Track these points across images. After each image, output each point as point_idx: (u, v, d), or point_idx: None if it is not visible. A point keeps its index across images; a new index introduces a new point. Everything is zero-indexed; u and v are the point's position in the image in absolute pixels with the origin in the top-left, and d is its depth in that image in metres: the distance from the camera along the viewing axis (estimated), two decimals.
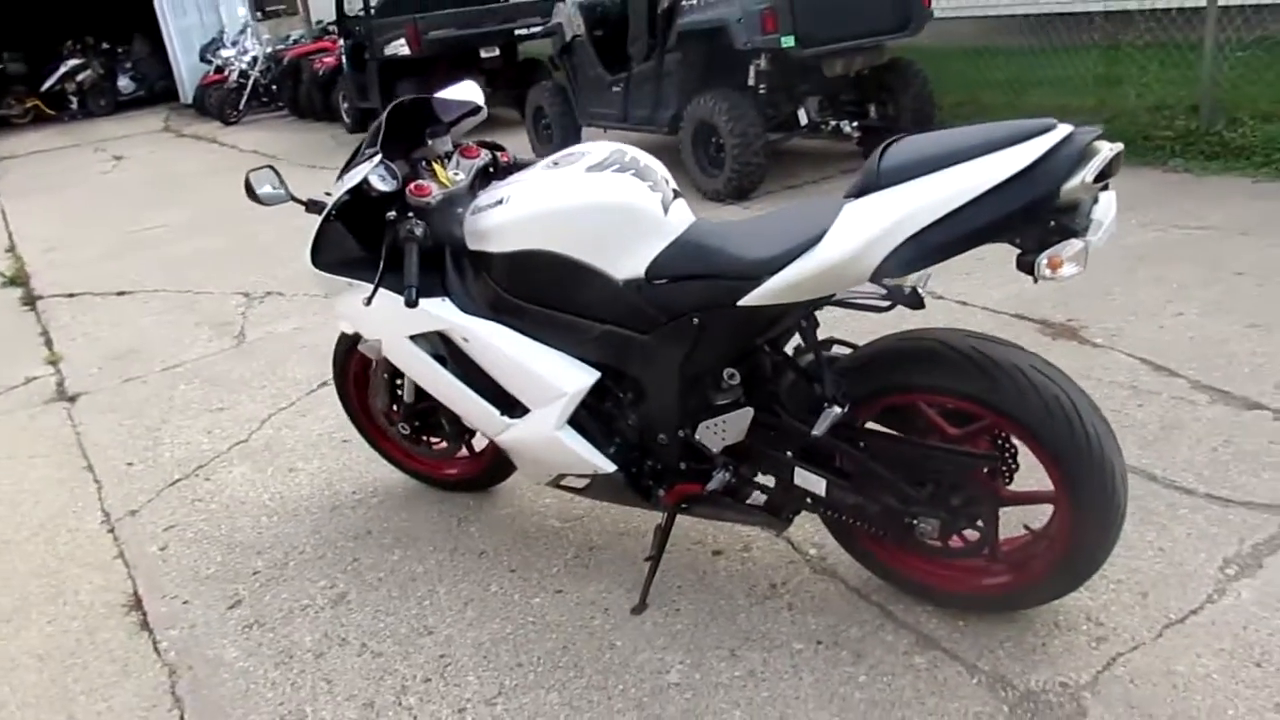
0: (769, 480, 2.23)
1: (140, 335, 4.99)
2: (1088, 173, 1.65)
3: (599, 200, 2.13)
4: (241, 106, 13.48)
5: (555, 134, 7.58)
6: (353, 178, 2.34)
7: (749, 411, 2.13)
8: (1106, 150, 1.66)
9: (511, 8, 9.68)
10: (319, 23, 14.45)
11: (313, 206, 2.49)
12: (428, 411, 2.83)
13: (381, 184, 2.33)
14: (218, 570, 2.81)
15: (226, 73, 13.67)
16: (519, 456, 2.48)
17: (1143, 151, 5.67)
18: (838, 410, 1.97)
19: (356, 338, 2.79)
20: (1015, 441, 2.02)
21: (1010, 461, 2.03)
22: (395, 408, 2.85)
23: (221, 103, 13.51)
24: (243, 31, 14.31)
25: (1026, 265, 1.70)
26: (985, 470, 2.01)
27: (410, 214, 2.31)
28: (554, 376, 2.27)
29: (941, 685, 2.05)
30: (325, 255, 2.51)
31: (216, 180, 9.17)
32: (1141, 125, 5.84)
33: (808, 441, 2.08)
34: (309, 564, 2.79)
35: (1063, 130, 1.69)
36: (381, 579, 2.68)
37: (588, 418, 2.32)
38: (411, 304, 2.15)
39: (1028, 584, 2.08)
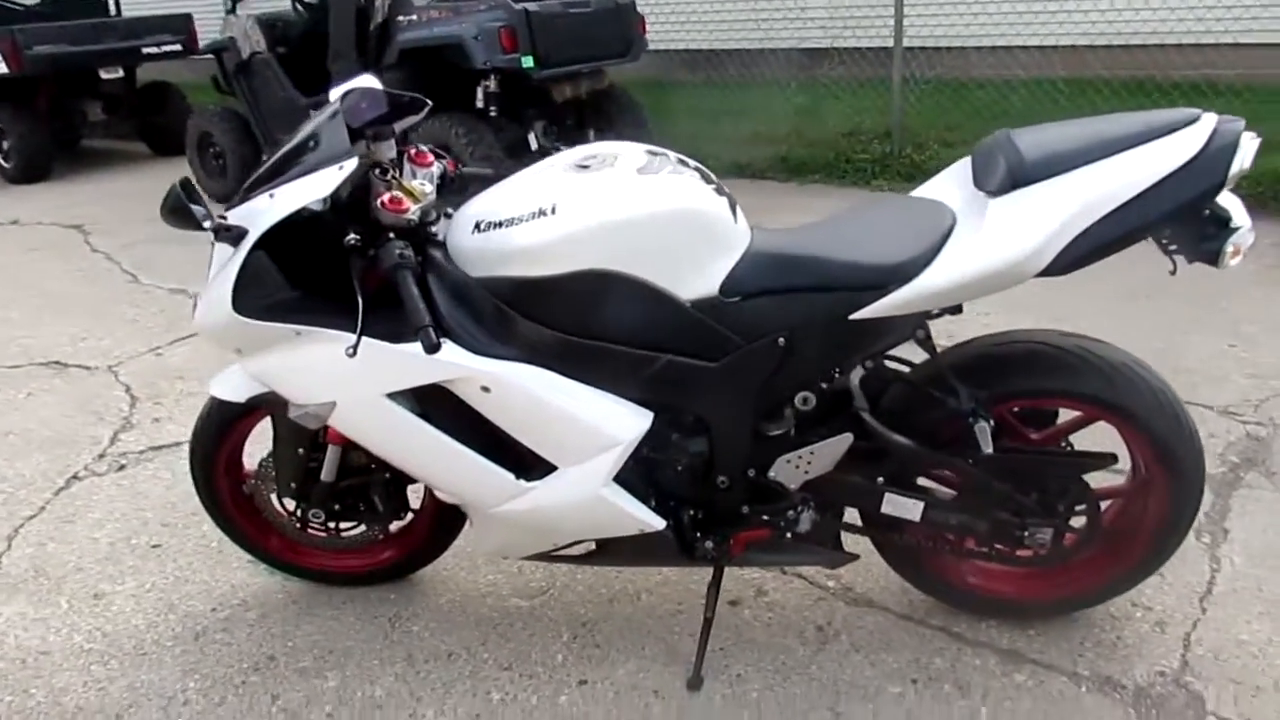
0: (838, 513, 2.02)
1: None
2: (1245, 161, 1.66)
3: (667, 208, 1.79)
4: None
5: (230, 165, 6.62)
6: (311, 187, 1.77)
7: (847, 438, 1.91)
8: (1251, 141, 1.68)
9: (136, 23, 8.34)
10: None
11: (224, 233, 1.84)
12: (350, 492, 2.24)
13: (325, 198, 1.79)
14: None
15: None
16: (522, 527, 2.02)
17: (847, 173, 6.19)
18: (987, 424, 1.81)
19: (235, 410, 2.15)
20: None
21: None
22: (303, 491, 2.23)
23: None
24: None
25: (1209, 255, 1.67)
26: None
27: (389, 236, 1.79)
28: (606, 423, 1.87)
29: (1059, 698, 1.97)
30: (251, 297, 1.87)
31: None
32: (841, 149, 6.38)
33: (914, 463, 1.90)
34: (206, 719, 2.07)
35: (1211, 119, 1.69)
36: (331, 717, 2.05)
37: (631, 468, 1.94)
38: (434, 348, 1.66)
39: (1119, 575, 2.06)
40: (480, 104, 5.71)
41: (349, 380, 1.89)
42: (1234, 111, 1.72)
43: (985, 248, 1.68)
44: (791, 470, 1.95)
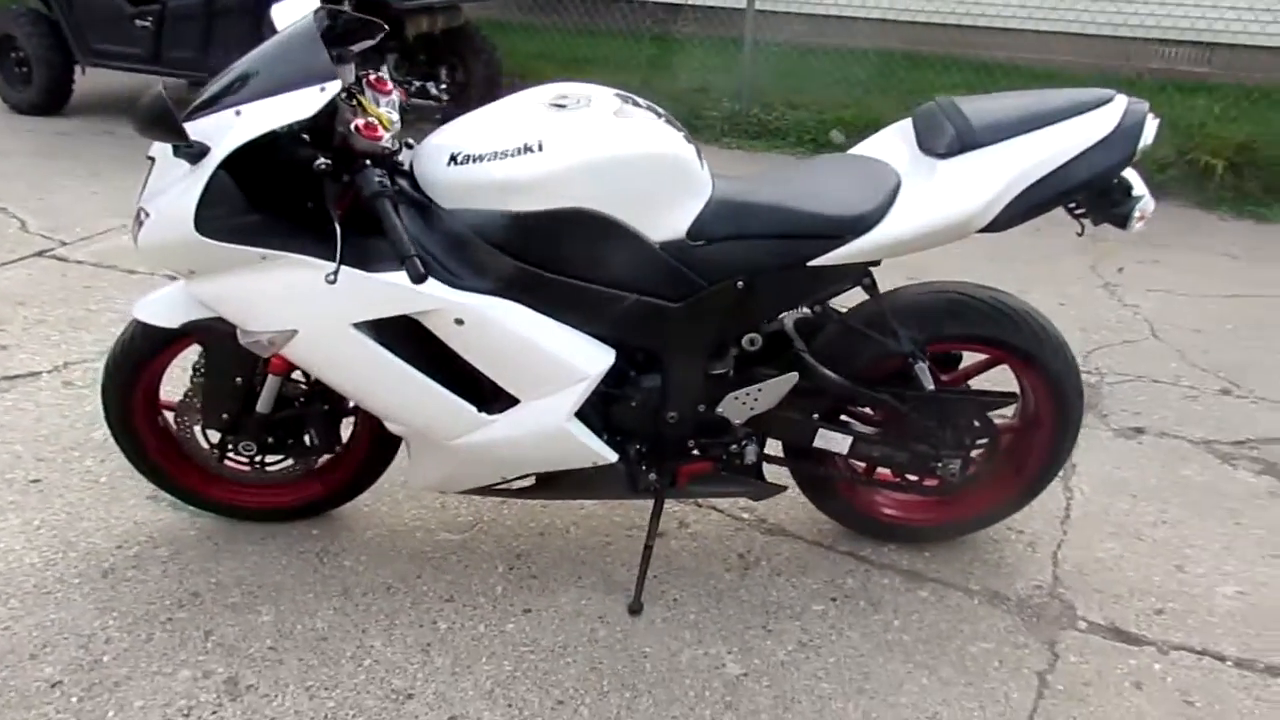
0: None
1: None
2: (1149, 138, 1.90)
3: (648, 150, 1.86)
4: None
5: (37, 75, 6.00)
6: (289, 108, 1.71)
7: (793, 377, 2.05)
8: (1153, 120, 1.93)
9: None
10: None
11: (187, 149, 1.74)
12: (282, 424, 2.20)
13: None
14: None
15: None
16: (476, 459, 2.05)
17: (698, 128, 6.34)
18: (925, 363, 2.00)
19: (163, 335, 2.06)
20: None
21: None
22: (234, 423, 2.16)
23: None
24: None
25: (1118, 218, 1.91)
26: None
27: (365, 163, 1.77)
28: (573, 358, 1.93)
29: (957, 609, 2.22)
30: (212, 218, 1.78)
31: None
32: (692, 105, 6.53)
33: (849, 401, 2.08)
34: (138, 659, 1.99)
35: (1123, 101, 1.92)
36: (274, 650, 2.03)
37: (587, 402, 2.01)
38: (420, 278, 1.67)
39: (1005, 501, 2.33)
40: None
41: (315, 308, 1.85)
42: None
43: (937, 204, 1.86)
44: (739, 407, 2.08)
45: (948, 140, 1.90)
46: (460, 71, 6.29)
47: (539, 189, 1.80)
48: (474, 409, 1.96)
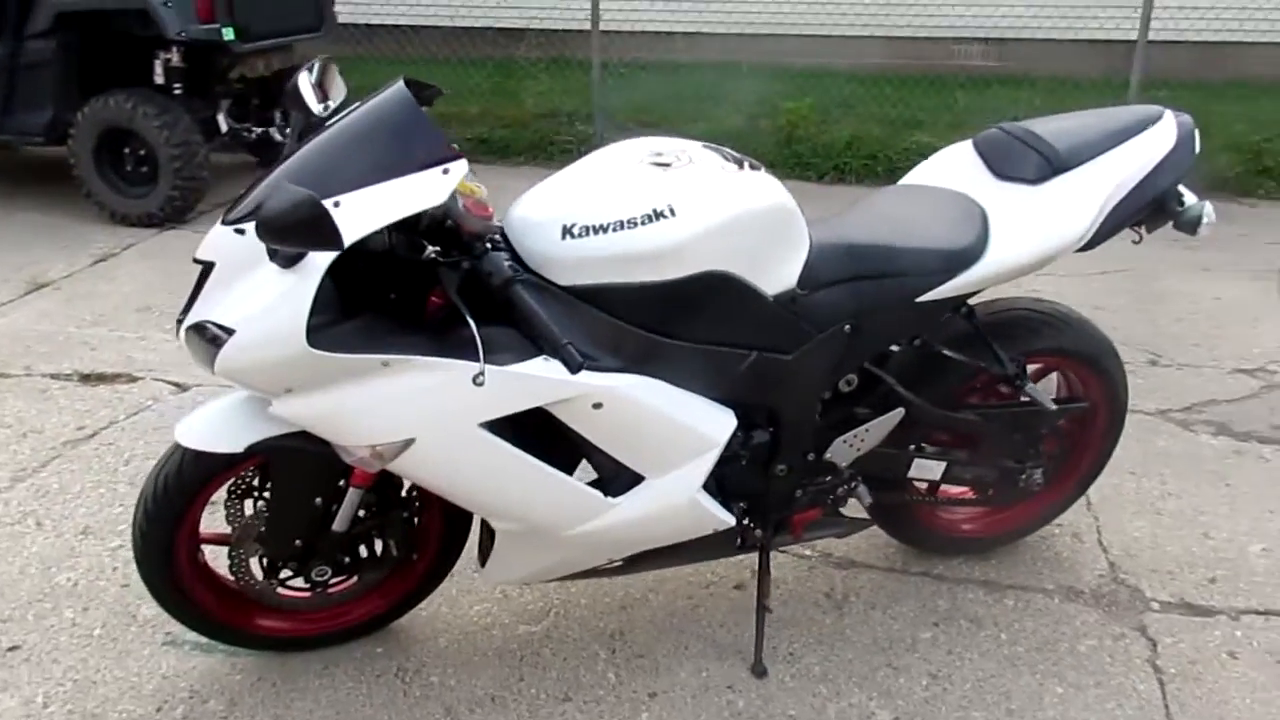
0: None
1: None
2: (1197, 149, 2.03)
3: (770, 203, 1.80)
4: None
5: None
6: (412, 195, 1.53)
7: (899, 413, 2.04)
8: (1196, 131, 2.06)
9: None
10: None
11: (275, 254, 1.50)
12: (355, 540, 1.97)
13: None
14: None
15: None
16: (590, 545, 1.91)
17: (553, 154, 6.23)
18: (1031, 383, 2.04)
19: (218, 462, 1.80)
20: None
21: None
22: (307, 546, 1.90)
23: None
24: None
25: (1188, 225, 2.02)
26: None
27: (487, 246, 1.61)
28: (704, 426, 1.83)
29: (1045, 611, 2.29)
30: (320, 328, 1.55)
31: None
32: (542, 131, 6.43)
33: (952, 426, 2.10)
34: None
35: (1171, 114, 2.04)
36: None
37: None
38: (578, 367, 1.54)
39: (1064, 499, 2.42)
40: (160, 80, 4.96)
41: (440, 412, 1.65)
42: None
43: (1043, 228, 1.91)
44: (847, 449, 2.04)
45: (1035, 166, 1.95)
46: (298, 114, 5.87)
47: (672, 256, 1.69)
48: (601, 494, 1.83)
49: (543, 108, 6.60)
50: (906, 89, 6.56)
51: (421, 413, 1.65)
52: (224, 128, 5.33)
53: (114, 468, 2.74)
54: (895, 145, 5.98)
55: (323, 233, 1.38)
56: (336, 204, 1.52)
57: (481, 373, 1.54)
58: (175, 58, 4.93)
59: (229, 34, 4.79)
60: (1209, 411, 3.18)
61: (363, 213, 1.52)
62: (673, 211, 1.68)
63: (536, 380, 1.64)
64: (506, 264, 1.60)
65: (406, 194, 1.53)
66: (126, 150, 4.88)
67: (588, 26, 6.22)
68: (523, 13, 7.09)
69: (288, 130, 5.89)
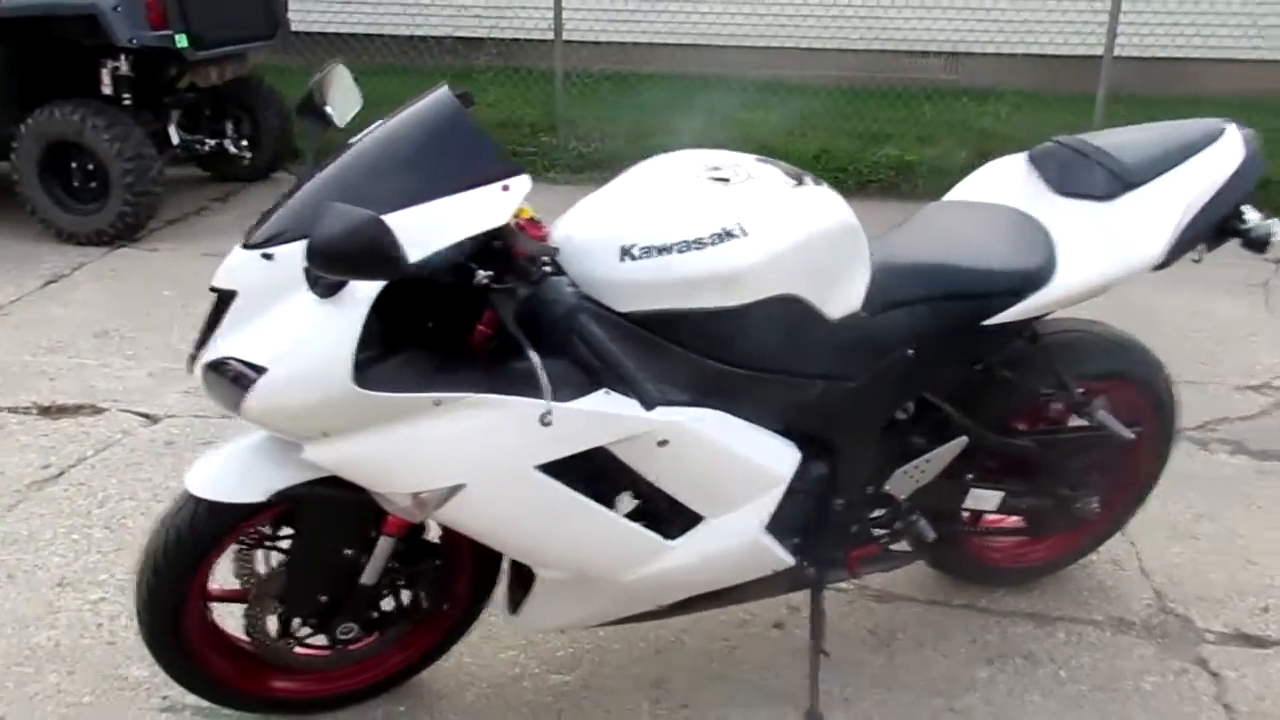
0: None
1: None
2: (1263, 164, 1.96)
3: (839, 222, 1.67)
4: None
5: None
6: (472, 215, 1.37)
7: (962, 441, 1.92)
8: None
9: None
10: None
11: (314, 282, 1.33)
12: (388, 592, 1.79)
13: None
14: None
15: None
16: (641, 590, 1.76)
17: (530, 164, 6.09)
18: (1107, 409, 1.94)
19: (236, 513, 1.61)
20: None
21: None
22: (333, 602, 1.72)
23: None
24: None
25: (1257, 242, 1.93)
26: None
27: (544, 270, 1.45)
28: (769, 461, 1.70)
29: (1101, 647, 2.19)
30: (364, 364, 1.37)
31: None
32: (504, 141, 6.25)
33: (1004, 455, 1.99)
34: None
35: (1235, 128, 1.96)
36: None
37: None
38: (653, 403, 1.40)
39: (1113, 523, 2.32)
40: (108, 90, 4.69)
41: (495, 454, 1.49)
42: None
43: (1120, 247, 1.81)
44: (907, 481, 1.92)
45: (1103, 181, 1.85)
46: (246, 124, 5.63)
47: (743, 279, 1.55)
48: (659, 537, 1.67)
49: (503, 118, 6.43)
50: (870, 102, 6.52)
51: (475, 456, 1.48)
52: (175, 140, 5.09)
53: (87, 510, 2.50)
54: (865, 158, 5.92)
55: (385, 258, 1.22)
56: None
57: (549, 411, 1.38)
58: (124, 66, 4.68)
59: (182, 41, 4.55)
60: (1223, 430, 3.14)
61: (418, 234, 1.35)
62: (744, 230, 1.55)
63: (604, 418, 1.49)
64: (569, 290, 1.44)
65: (464, 213, 1.37)
66: (74, 165, 4.60)
67: (549, 36, 6.08)
68: (483, 21, 6.92)
69: (243, 143, 5.64)
